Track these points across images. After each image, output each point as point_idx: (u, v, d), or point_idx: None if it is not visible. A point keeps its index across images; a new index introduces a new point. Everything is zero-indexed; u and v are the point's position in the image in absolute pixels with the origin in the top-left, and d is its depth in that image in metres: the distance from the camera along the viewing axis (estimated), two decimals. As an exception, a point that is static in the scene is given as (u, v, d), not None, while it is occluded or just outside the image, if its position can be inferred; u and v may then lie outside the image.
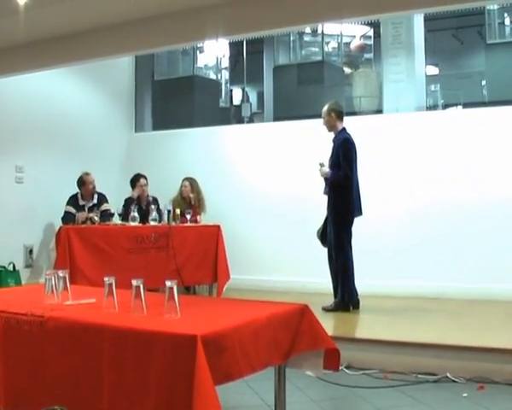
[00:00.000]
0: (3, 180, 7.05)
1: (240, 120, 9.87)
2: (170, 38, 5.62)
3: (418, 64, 7.87)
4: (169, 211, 6.58)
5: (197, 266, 6.63)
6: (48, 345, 2.52)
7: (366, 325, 5.44)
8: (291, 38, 9.53)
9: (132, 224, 6.46)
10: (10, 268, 6.82)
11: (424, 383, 3.94)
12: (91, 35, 5.75)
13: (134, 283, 2.50)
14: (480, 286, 6.33)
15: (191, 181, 7.37)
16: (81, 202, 6.88)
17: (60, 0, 5.05)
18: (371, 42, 9.95)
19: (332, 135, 5.86)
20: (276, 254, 7.54)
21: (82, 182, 6.90)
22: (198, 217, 7.14)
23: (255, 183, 7.83)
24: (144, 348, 2.25)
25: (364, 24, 9.13)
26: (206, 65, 9.94)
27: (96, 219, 6.62)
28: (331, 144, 5.83)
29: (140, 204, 7.11)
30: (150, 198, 7.24)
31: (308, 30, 9.34)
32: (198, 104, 9.13)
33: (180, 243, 6.50)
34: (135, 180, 7.28)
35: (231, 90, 10.69)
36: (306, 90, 8.64)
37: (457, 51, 10.63)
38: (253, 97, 11.48)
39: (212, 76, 10.05)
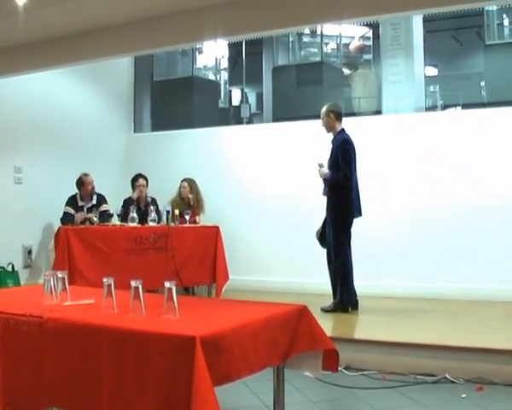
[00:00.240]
0: (2, 181, 7.05)
1: (239, 121, 9.86)
2: (169, 39, 5.62)
3: (417, 65, 7.87)
4: (168, 212, 6.58)
5: (196, 267, 6.64)
6: (46, 346, 2.52)
7: (365, 326, 5.45)
8: (290, 39, 9.52)
9: (131, 224, 6.46)
10: (9, 269, 6.82)
11: (423, 383, 3.94)
12: (90, 36, 5.75)
13: (133, 283, 2.50)
14: (479, 287, 6.33)
15: (190, 182, 7.38)
16: (80, 203, 6.88)
17: (59, 1, 5.05)
18: (370, 43, 9.94)
19: (331, 136, 5.87)
20: (274, 255, 7.54)
21: (81, 183, 6.91)
22: (197, 218, 7.14)
23: (254, 183, 7.83)
24: (143, 348, 2.24)
25: (363, 25, 9.13)
26: (205, 66, 9.93)
27: (95, 219, 6.62)
28: (330, 145, 5.83)
29: (139, 205, 7.11)
30: (149, 199, 7.25)
31: (307, 31, 9.32)
32: (197, 105, 9.12)
33: (179, 244, 6.50)
34: (134, 180, 7.29)
35: (230, 91, 10.67)
36: (305, 90, 8.63)
37: (456, 52, 10.63)
38: (252, 98, 11.47)
39: (211, 77, 10.04)
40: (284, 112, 8.65)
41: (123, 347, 2.30)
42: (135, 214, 6.53)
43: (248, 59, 9.37)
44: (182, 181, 7.40)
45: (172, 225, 6.56)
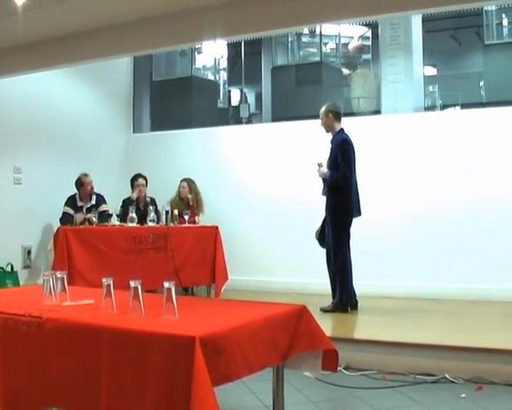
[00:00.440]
0: (1, 181, 7.05)
1: (238, 121, 9.85)
2: (168, 39, 5.62)
3: (416, 65, 7.87)
4: (167, 212, 6.58)
5: (195, 267, 6.63)
6: (46, 346, 2.52)
7: (364, 326, 5.44)
8: (289, 39, 9.52)
9: (130, 225, 6.46)
10: (8, 269, 6.82)
11: (422, 383, 3.94)
12: (89, 36, 5.74)
13: (132, 284, 2.50)
14: (479, 287, 6.33)
15: (189, 182, 7.37)
16: (79, 203, 6.88)
17: (58, 1, 5.04)
18: (369, 43, 9.93)
19: (330, 136, 5.87)
20: (274, 255, 7.54)
21: (80, 183, 6.90)
22: (196, 218, 7.13)
23: (253, 183, 7.83)
24: (142, 349, 2.24)
25: (362, 25, 9.13)
26: (204, 66, 9.93)
27: (94, 219, 6.62)
28: (329, 145, 5.83)
29: (138, 205, 7.11)
30: (148, 199, 7.24)
31: (306, 31, 9.32)
32: (196, 105, 9.11)
33: (178, 244, 6.49)
34: (134, 180, 7.29)
35: (229, 91, 10.67)
36: (304, 90, 8.63)
37: (455, 52, 10.63)
38: (251, 98, 11.45)
39: (211, 77, 10.03)
40: (283, 112, 8.64)
41: (122, 347, 2.30)
42: (134, 214, 6.52)
43: (247, 59, 9.37)
44: (181, 181, 7.40)
45: (171, 225, 6.56)
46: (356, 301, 5.78)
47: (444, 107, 8.34)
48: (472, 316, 5.68)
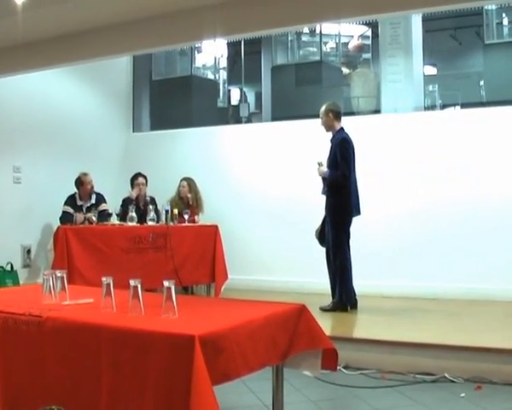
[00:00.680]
0: (1, 181, 7.04)
1: (238, 120, 9.86)
2: (168, 38, 5.62)
3: (416, 64, 7.87)
4: (167, 211, 6.58)
5: (195, 267, 6.63)
6: (46, 345, 2.52)
7: (364, 325, 5.45)
8: (289, 38, 9.52)
9: (130, 224, 6.46)
10: (8, 268, 6.81)
11: (422, 383, 3.94)
12: (89, 35, 5.74)
13: (132, 283, 2.50)
14: (479, 287, 6.33)
15: (189, 181, 7.37)
16: (79, 202, 6.87)
17: (58, 0, 5.04)
18: (369, 42, 9.93)
19: (330, 135, 5.87)
20: (274, 255, 7.54)
21: (80, 182, 6.90)
22: (196, 217, 7.13)
23: (253, 183, 7.83)
24: (142, 348, 2.25)
25: (362, 24, 9.13)
26: (204, 65, 9.93)
27: (94, 219, 6.62)
28: (329, 144, 5.83)
29: (138, 204, 7.11)
30: (148, 198, 7.24)
31: (306, 30, 9.32)
32: (196, 104, 9.11)
33: (178, 244, 6.49)
34: (134, 179, 7.29)
35: (229, 91, 10.67)
36: (304, 90, 8.62)
37: (455, 51, 10.63)
38: (250, 97, 11.45)
39: (210, 76, 10.03)
40: (283, 111, 8.64)
41: (122, 346, 2.30)
42: (134, 214, 6.52)
43: (247, 58, 9.37)
44: (181, 180, 7.39)
45: (171, 224, 6.56)
46: (355, 301, 5.78)
47: (444, 106, 8.34)
48: (471, 316, 5.68)
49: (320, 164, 5.80)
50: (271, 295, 5.81)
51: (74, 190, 6.91)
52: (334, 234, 5.72)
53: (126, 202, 6.98)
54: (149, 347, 2.23)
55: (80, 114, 7.96)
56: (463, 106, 7.95)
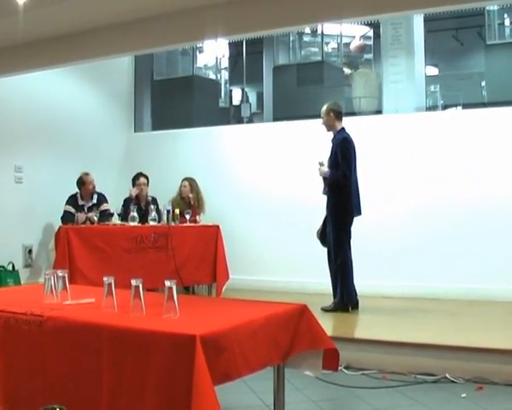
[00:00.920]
0: (3, 180, 7.04)
1: (239, 121, 9.87)
2: (169, 38, 5.62)
3: (418, 65, 7.87)
4: (168, 211, 6.58)
5: (196, 266, 6.63)
6: (47, 345, 2.52)
7: (365, 326, 5.45)
8: (291, 39, 9.52)
9: (132, 224, 6.47)
10: (9, 268, 6.82)
11: (423, 383, 3.94)
12: (90, 35, 5.74)
13: (133, 283, 2.50)
14: (480, 287, 6.33)
15: (190, 181, 7.37)
16: (80, 202, 6.88)
17: (58, 0, 5.04)
18: (371, 42, 9.94)
19: (331, 135, 5.87)
20: (275, 255, 7.54)
21: (82, 182, 6.90)
22: (197, 217, 7.13)
23: (255, 183, 7.82)
24: (143, 347, 2.25)
25: (364, 24, 9.13)
26: (205, 65, 9.94)
27: (96, 219, 6.62)
28: (330, 144, 5.83)
29: (139, 204, 7.11)
30: (149, 198, 7.25)
31: (308, 30, 9.33)
32: (197, 104, 9.12)
33: (179, 243, 6.50)
34: (135, 179, 7.29)
35: (231, 91, 10.68)
36: (306, 90, 8.63)
37: (457, 52, 10.63)
38: (252, 97, 11.47)
39: (212, 76, 10.04)
40: (285, 111, 8.65)
41: (123, 346, 2.30)
42: (135, 214, 6.53)
43: (249, 58, 9.37)
44: (182, 180, 7.40)
45: (173, 224, 6.56)
46: (357, 301, 5.77)
47: (445, 107, 8.34)
48: (472, 316, 5.68)
49: (321, 164, 5.79)
50: (272, 296, 5.81)
51: (76, 189, 6.91)
52: (335, 234, 5.72)
53: (128, 202, 6.99)
54: (151, 346, 2.23)
55: (82, 114, 7.97)
56: (465, 106, 7.95)
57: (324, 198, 5.82)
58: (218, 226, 6.85)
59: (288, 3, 4.95)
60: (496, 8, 7.91)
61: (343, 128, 5.84)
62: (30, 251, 7.26)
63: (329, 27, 9.25)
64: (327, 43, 9.58)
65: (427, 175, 6.86)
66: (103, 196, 7.04)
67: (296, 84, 8.92)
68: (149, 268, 6.05)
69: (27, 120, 7.22)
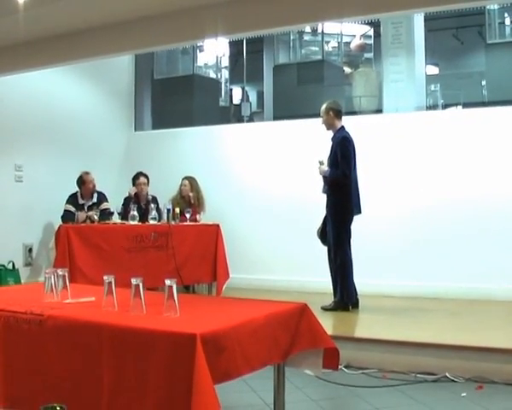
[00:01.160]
0: (3, 179, 7.05)
1: (239, 119, 9.87)
2: (170, 37, 5.62)
3: (418, 64, 7.86)
4: (168, 210, 6.58)
5: (196, 265, 6.63)
6: (47, 343, 2.52)
7: (365, 325, 5.45)
8: (291, 38, 9.53)
9: (132, 223, 6.46)
10: (10, 267, 6.82)
11: (423, 382, 3.94)
12: (90, 34, 5.74)
13: (133, 281, 2.50)
14: (480, 286, 6.32)
15: (191, 180, 7.37)
16: (80, 201, 6.88)
17: (59, -1, 5.05)
18: (371, 41, 9.94)
19: (331, 134, 5.87)
20: (275, 254, 7.54)
21: (82, 181, 6.90)
22: (197, 216, 7.13)
23: (255, 182, 7.82)
24: (143, 346, 2.25)
25: (364, 23, 9.13)
26: (205, 64, 9.93)
27: (96, 217, 6.62)
28: (330, 143, 5.83)
29: (139, 203, 7.11)
30: (150, 197, 7.24)
31: (308, 29, 9.33)
32: (198, 103, 9.12)
33: (179, 242, 6.50)
34: (135, 178, 7.29)
35: (231, 90, 10.68)
36: (306, 89, 8.62)
37: (457, 51, 10.62)
38: (252, 96, 11.46)
39: (212, 75, 10.04)
40: (285, 110, 8.64)
41: (123, 344, 2.30)
42: (135, 212, 6.53)
43: (249, 57, 9.36)
44: (182, 179, 7.39)
45: (173, 223, 6.56)
46: (357, 300, 5.77)
47: (445, 106, 8.34)
48: (473, 315, 5.68)
49: (321, 163, 5.79)
50: (273, 295, 5.79)
51: (76, 188, 6.91)
52: (335, 233, 5.72)
53: (128, 201, 6.99)
54: (151, 345, 2.23)
55: (82, 113, 7.97)
56: (465, 106, 7.95)
57: (324, 197, 5.82)
58: (218, 225, 6.85)
59: (288, 2, 4.95)
60: (496, 7, 7.91)
61: (343, 127, 5.84)
62: (30, 250, 7.26)
63: (330, 26, 9.25)
64: (327, 42, 9.58)
65: (428, 174, 6.86)
66: (103, 194, 7.04)
67: (296, 83, 8.92)
68: (149, 267, 6.05)
69: (27, 119, 7.22)
